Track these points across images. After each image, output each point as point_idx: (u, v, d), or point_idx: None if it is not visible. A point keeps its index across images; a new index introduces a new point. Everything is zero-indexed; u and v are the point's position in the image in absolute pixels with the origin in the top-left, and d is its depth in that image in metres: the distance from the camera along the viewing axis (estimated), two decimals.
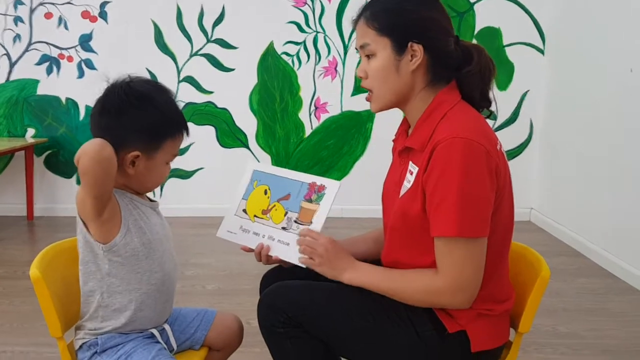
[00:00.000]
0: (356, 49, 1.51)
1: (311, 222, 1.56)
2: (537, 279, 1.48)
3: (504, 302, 1.47)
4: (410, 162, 1.45)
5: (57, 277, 1.51)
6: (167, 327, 1.58)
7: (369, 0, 1.49)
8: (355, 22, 1.50)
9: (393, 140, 1.62)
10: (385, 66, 1.44)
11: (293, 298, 1.46)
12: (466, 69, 1.45)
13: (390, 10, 1.44)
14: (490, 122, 5.18)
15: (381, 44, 1.43)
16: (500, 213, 1.39)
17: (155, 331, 1.54)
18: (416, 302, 1.41)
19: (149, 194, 1.60)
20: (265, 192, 1.66)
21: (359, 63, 1.70)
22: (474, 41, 4.39)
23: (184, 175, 4.71)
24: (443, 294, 1.36)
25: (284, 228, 1.60)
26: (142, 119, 1.41)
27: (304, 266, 1.53)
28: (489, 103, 1.52)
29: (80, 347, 1.50)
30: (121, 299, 1.47)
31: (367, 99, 1.52)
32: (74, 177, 4.69)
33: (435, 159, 1.33)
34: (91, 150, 1.26)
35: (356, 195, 4.34)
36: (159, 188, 4.52)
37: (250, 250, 1.64)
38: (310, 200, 1.58)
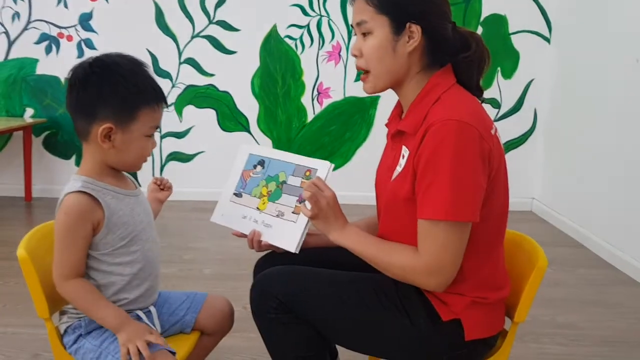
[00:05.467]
0: (351, 25, 1.48)
1: None
2: (534, 268, 1.46)
3: (499, 290, 1.45)
4: (403, 147, 1.43)
5: (45, 258, 1.48)
6: (152, 309, 1.55)
7: None
8: None
9: (386, 125, 1.59)
10: (381, 45, 1.41)
11: (286, 284, 1.44)
12: (463, 55, 1.42)
13: None
14: (493, 110, 5.09)
15: (379, 22, 1.40)
16: (493, 199, 1.36)
17: (140, 313, 1.51)
18: (393, 275, 1.40)
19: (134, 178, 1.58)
20: None
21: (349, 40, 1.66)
22: (480, 28, 4.34)
23: (184, 158, 4.67)
24: (418, 274, 1.35)
25: (280, 216, 1.56)
26: (108, 88, 1.38)
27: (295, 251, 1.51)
28: (481, 93, 1.50)
29: (65, 331, 1.48)
30: (105, 290, 1.45)
31: (362, 79, 1.48)
32: (73, 159, 4.66)
33: (427, 141, 1.30)
34: None
35: (358, 183, 4.28)
36: (158, 171, 4.49)
37: (243, 235, 1.62)
38: None
